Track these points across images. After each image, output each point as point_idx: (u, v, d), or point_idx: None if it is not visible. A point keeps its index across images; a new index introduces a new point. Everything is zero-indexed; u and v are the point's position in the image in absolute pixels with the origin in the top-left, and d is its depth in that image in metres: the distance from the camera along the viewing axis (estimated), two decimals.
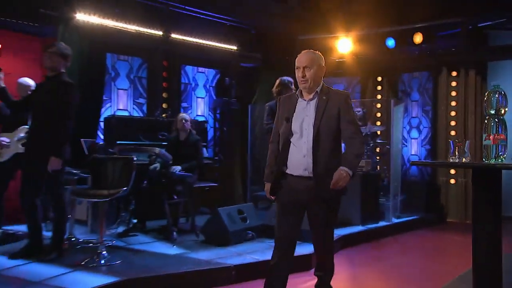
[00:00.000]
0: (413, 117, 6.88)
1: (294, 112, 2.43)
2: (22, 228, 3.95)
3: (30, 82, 4.04)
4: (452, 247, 4.97)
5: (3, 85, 3.25)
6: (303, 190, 2.36)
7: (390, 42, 6.60)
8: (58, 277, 2.88)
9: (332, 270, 2.53)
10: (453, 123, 6.33)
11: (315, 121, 2.37)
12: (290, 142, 2.40)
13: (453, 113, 6.36)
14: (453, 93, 6.37)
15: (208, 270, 3.16)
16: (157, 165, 4.11)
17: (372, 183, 5.17)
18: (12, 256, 3.15)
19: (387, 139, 5.93)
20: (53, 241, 3.25)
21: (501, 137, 1.64)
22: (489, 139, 1.66)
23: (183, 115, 4.54)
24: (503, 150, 1.64)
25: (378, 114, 7.01)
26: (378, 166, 6.28)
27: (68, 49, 3.30)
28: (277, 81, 4.25)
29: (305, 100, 2.43)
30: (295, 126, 2.40)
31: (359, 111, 6.38)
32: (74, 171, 3.66)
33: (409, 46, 6.46)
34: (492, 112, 1.69)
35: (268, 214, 4.26)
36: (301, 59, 2.42)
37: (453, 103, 6.35)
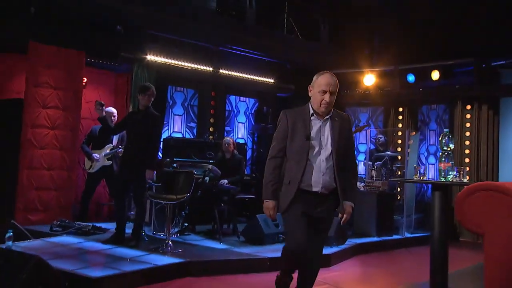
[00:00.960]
0: (431, 145, 7.60)
1: (311, 130, 2.47)
2: (103, 224, 5.09)
3: (114, 110, 5.23)
4: (455, 259, 5.62)
5: (104, 114, 4.40)
6: (316, 205, 2.46)
7: (411, 78, 7.42)
8: (139, 257, 3.91)
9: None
10: (467, 151, 7.00)
11: (333, 142, 2.46)
12: (308, 159, 2.46)
13: (467, 142, 7.03)
14: (467, 124, 7.05)
15: (248, 260, 4.12)
16: (207, 178, 5.15)
17: (388, 201, 5.95)
18: (105, 242, 4.25)
19: (404, 163, 6.71)
20: (133, 232, 4.32)
21: (448, 165, 2.50)
22: (441, 166, 2.54)
23: (227, 139, 5.57)
24: (448, 173, 2.51)
25: (399, 141, 7.77)
26: (398, 188, 7.02)
27: (153, 89, 4.43)
28: None
29: (320, 120, 2.52)
30: (314, 144, 2.45)
31: (381, 138, 7.22)
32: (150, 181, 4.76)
33: (427, 81, 7.26)
34: (445, 148, 2.56)
35: None
36: (330, 82, 2.47)
37: (467, 133, 7.03)
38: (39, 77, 5.45)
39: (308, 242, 2.40)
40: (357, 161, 2.83)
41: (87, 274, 3.28)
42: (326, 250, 4.50)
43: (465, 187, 2.17)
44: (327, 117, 2.52)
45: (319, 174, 2.46)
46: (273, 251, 4.45)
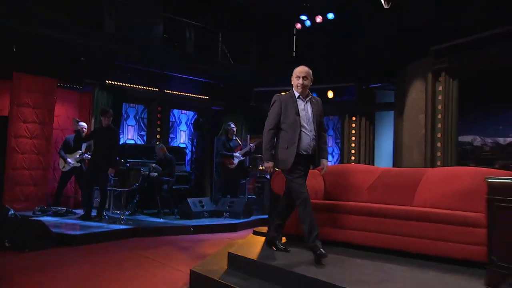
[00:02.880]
0: (329, 147, 9.96)
1: (298, 108, 3.27)
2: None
3: (85, 125, 7.00)
4: None
5: (79, 128, 6.20)
6: (307, 163, 3.37)
7: (314, 95, 9.73)
8: (102, 226, 5.77)
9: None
10: (352, 151, 9.41)
11: (313, 117, 3.33)
12: (301, 130, 3.25)
13: (353, 145, 9.44)
14: (353, 131, 9.46)
15: (179, 226, 6.13)
16: (155, 174, 7.06)
17: None
18: (77, 219, 6.09)
19: None
20: (98, 212, 6.18)
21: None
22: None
23: (158, 145, 7.48)
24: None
25: None
26: None
27: (111, 112, 6.31)
28: (223, 126, 7.29)
29: (303, 101, 3.36)
30: (302, 119, 3.27)
31: None
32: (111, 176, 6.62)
33: (325, 98, 9.58)
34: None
35: (219, 205, 7.20)
36: (302, 70, 3.35)
37: (353, 138, 9.44)
38: (20, 99, 7.14)
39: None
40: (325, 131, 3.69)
41: (70, 233, 5.16)
42: (235, 220, 6.63)
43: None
44: (307, 99, 3.38)
45: (309, 141, 3.33)
46: (198, 222, 6.48)
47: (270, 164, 3.35)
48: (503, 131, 6.54)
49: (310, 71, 3.40)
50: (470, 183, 3.48)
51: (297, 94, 3.38)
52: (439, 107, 6.45)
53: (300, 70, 3.37)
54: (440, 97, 6.43)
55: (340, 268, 3.08)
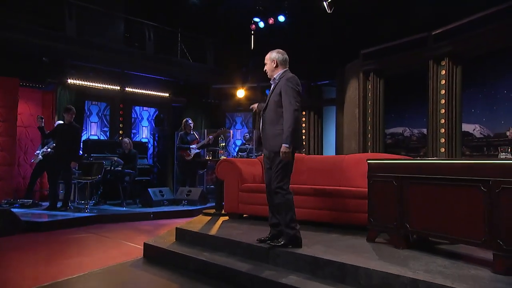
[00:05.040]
0: None
1: None
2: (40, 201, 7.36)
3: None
4: None
5: (42, 125, 6.67)
6: None
7: (267, 92, 10.53)
8: (67, 215, 6.32)
9: None
10: (303, 143, 10.30)
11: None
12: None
13: (303, 137, 10.34)
14: (303, 125, 10.36)
15: (140, 213, 6.77)
16: (120, 167, 7.63)
17: None
18: (43, 209, 6.60)
19: None
20: (63, 203, 6.71)
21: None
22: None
23: (125, 140, 8.04)
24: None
25: None
26: None
27: (74, 109, 6.82)
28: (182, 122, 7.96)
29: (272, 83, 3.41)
30: None
31: (247, 135, 10.19)
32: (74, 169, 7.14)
33: None
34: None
35: (178, 194, 7.87)
36: (265, 57, 3.41)
37: (303, 131, 10.33)
38: None
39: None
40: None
41: (37, 220, 5.70)
42: (192, 207, 7.34)
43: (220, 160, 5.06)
44: (274, 81, 3.39)
45: None
46: (158, 209, 7.13)
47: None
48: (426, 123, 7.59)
49: (268, 55, 3.45)
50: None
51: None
52: (369, 102, 7.40)
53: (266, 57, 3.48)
54: (369, 94, 7.38)
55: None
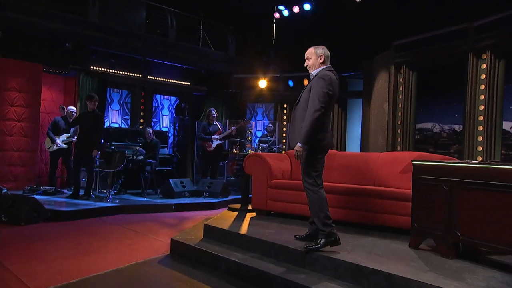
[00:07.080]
0: None
1: None
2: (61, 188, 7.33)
3: (74, 109, 7.36)
4: None
5: (65, 114, 6.60)
6: None
7: (290, 83, 10.30)
8: (89, 204, 6.27)
9: None
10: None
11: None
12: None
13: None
14: None
15: (161, 204, 6.67)
16: (141, 157, 7.53)
17: None
18: (66, 197, 6.55)
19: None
20: (85, 191, 6.65)
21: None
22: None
23: (148, 129, 7.92)
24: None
25: (284, 129, 10.66)
26: None
27: (97, 97, 6.71)
28: (204, 111, 7.78)
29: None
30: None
31: (271, 127, 9.97)
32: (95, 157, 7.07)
33: (301, 86, 10.14)
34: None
35: (199, 185, 7.75)
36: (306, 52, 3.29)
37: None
38: (7, 84, 7.44)
39: None
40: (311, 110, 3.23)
41: (60, 209, 5.64)
42: (214, 199, 7.20)
43: (248, 155, 4.88)
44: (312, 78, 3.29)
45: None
46: (179, 201, 7.03)
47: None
48: (458, 119, 7.25)
49: (313, 50, 3.31)
50: (409, 165, 4.11)
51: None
52: (400, 96, 7.09)
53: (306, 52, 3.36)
54: (400, 88, 7.06)
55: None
